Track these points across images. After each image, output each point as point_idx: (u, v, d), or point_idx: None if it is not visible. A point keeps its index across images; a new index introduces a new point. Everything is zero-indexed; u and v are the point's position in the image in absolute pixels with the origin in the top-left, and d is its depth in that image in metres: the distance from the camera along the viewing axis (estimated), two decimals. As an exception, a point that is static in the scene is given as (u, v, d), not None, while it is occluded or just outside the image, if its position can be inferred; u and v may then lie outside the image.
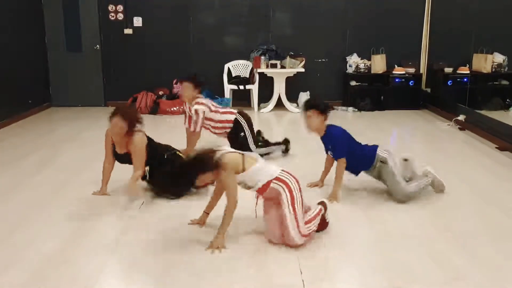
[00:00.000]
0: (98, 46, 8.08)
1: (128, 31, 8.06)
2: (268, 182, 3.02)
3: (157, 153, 3.93)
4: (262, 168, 3.06)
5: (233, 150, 3.15)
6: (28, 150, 5.44)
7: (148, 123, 6.87)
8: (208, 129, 4.88)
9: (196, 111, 4.71)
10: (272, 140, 5.21)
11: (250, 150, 4.65)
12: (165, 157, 3.94)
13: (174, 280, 2.68)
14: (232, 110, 5.00)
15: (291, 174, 3.11)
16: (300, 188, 3.09)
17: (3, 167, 4.80)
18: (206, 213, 3.35)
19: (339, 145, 3.85)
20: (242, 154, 3.10)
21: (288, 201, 3.00)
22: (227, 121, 4.82)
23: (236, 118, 4.83)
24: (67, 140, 5.93)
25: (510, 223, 3.49)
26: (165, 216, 3.56)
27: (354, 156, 3.88)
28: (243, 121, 4.85)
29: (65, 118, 7.32)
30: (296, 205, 3.01)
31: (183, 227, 3.34)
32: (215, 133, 4.89)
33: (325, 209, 3.27)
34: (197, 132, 4.79)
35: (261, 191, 3.07)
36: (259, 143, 4.99)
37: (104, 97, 8.28)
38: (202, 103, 4.73)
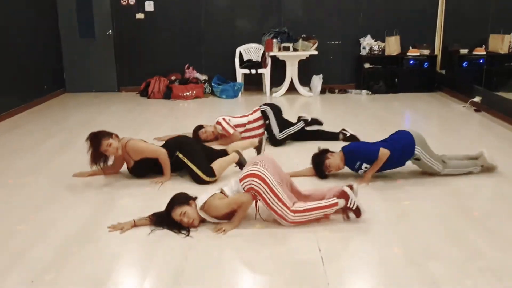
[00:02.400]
0: (110, 31, 8.08)
1: (140, 15, 8.04)
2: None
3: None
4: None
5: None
6: (45, 135, 5.49)
7: (162, 108, 6.96)
8: (247, 135, 5.00)
9: (218, 123, 5.01)
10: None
11: (274, 136, 4.88)
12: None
13: (193, 260, 2.71)
14: (255, 108, 5.20)
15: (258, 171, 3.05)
16: (271, 170, 3.07)
17: (23, 152, 4.85)
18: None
19: (367, 149, 3.85)
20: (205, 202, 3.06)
21: (263, 187, 2.99)
22: (257, 119, 5.05)
23: (262, 111, 5.06)
24: (83, 125, 5.96)
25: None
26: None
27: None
28: (270, 110, 5.03)
29: (80, 104, 7.37)
30: (272, 187, 2.99)
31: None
32: (256, 135, 4.95)
33: (347, 199, 3.10)
34: (233, 134, 4.94)
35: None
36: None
37: (117, 82, 8.31)
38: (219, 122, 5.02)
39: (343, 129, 5.09)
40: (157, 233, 2.99)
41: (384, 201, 3.49)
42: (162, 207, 3.12)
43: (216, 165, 3.93)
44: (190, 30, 8.09)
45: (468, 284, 2.43)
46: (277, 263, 2.65)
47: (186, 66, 8.00)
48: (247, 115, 5.14)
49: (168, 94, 7.67)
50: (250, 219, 3.15)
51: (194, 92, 7.67)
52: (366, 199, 3.52)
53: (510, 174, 4.03)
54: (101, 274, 2.55)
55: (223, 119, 5.04)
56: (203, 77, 7.98)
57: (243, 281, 2.55)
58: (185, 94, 7.67)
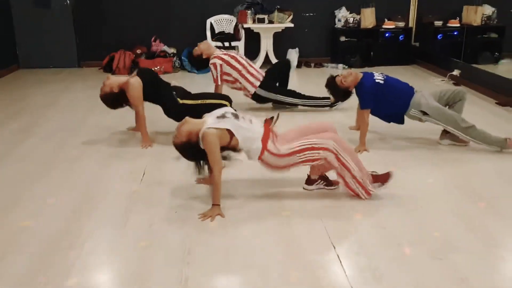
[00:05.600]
0: (68, 1, 7.42)
1: (100, -16, 7.43)
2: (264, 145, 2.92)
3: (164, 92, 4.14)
4: (247, 129, 2.93)
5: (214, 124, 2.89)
6: (3, 118, 4.97)
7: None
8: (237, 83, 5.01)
9: (213, 64, 4.90)
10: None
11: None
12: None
13: (196, 259, 2.42)
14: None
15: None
16: None
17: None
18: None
19: (365, 96, 3.95)
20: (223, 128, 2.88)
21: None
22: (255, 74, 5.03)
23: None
24: (45, 106, 5.45)
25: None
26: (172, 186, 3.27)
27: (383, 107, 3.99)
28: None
29: (38, 81, 6.77)
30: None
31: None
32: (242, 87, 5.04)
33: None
34: (217, 87, 4.95)
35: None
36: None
37: (77, 57, 7.70)
38: (217, 57, 4.92)
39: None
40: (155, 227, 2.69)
41: (388, 186, 3.30)
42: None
43: None
44: (157, 0, 7.56)
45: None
46: (293, 266, 2.41)
47: (153, 38, 7.50)
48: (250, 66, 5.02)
49: (134, 69, 7.16)
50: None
51: (163, 67, 7.21)
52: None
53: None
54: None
55: (220, 62, 4.87)
56: (172, 51, 7.52)
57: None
58: (153, 69, 7.18)
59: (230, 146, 2.91)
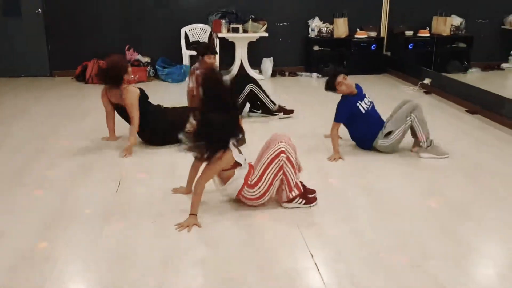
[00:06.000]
0: (40, 9, 7.31)
1: (73, -7, 7.35)
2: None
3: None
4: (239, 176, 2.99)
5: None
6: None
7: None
8: None
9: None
10: None
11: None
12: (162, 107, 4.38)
13: (173, 270, 2.40)
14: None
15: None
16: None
17: None
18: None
19: (340, 110, 4.08)
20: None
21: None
22: None
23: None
24: (15, 115, 5.34)
25: (503, 188, 3.45)
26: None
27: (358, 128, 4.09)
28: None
29: (8, 91, 6.61)
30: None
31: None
32: None
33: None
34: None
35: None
36: None
37: (49, 66, 7.57)
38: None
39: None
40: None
41: (362, 193, 3.34)
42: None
43: None
44: (130, 8, 7.50)
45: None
46: (271, 275, 2.42)
47: (127, 47, 7.43)
48: None
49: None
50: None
51: (137, 76, 7.16)
52: (342, 192, 3.37)
53: (478, 158, 4.04)
54: None
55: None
56: (146, 59, 7.47)
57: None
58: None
59: (224, 173, 2.95)
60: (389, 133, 4.02)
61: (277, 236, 2.77)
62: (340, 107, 4.10)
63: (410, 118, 3.96)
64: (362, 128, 4.10)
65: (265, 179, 2.96)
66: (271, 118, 5.22)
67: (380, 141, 4.06)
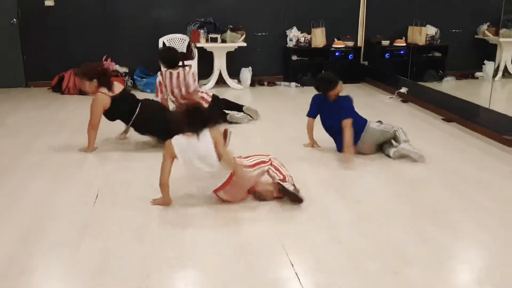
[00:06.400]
0: (15, 20, 7.20)
1: (49, 2, 7.23)
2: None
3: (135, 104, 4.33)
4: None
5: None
6: None
7: (81, 105, 6.24)
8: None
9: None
10: None
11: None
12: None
13: (155, 282, 2.37)
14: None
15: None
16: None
17: None
18: None
19: (348, 105, 4.31)
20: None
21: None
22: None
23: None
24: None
25: (478, 194, 3.51)
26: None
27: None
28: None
29: (-18, 102, 6.50)
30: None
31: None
32: None
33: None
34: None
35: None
36: None
37: (25, 77, 7.45)
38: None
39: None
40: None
41: (342, 199, 3.36)
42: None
43: None
44: (107, 18, 7.46)
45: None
46: (250, 285, 2.40)
47: (104, 57, 7.37)
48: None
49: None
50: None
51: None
52: (322, 199, 3.39)
53: (454, 165, 4.10)
54: None
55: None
56: (124, 70, 7.41)
57: None
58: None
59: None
60: (379, 122, 4.37)
61: (257, 246, 2.76)
62: (346, 104, 4.28)
63: (395, 128, 4.26)
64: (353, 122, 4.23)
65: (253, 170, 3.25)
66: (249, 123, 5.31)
67: (372, 124, 4.29)
